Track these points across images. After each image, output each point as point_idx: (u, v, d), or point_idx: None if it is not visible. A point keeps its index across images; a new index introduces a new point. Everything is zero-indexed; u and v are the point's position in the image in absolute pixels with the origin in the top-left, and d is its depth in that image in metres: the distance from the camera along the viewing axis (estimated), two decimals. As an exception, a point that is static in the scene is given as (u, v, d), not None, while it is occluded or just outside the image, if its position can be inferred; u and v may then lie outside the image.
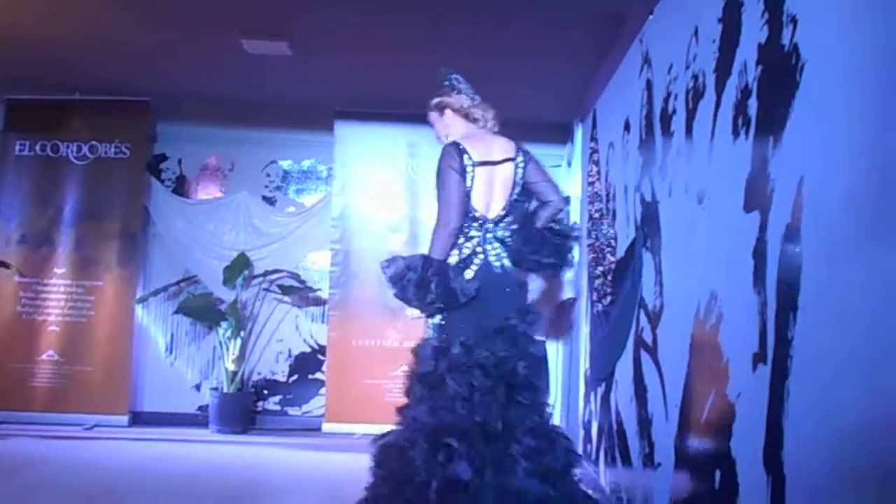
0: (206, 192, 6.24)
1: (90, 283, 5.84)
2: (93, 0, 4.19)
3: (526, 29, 4.24)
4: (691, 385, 2.49)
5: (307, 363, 6.13)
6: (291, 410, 6.09)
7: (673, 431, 2.64)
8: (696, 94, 2.57)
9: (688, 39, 2.67)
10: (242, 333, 5.84)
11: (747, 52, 2.11)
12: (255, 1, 4.09)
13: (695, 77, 2.58)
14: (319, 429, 5.82)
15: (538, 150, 6.07)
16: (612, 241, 4.04)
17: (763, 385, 1.88)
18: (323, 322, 6.07)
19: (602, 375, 4.09)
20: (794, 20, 1.83)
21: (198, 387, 6.05)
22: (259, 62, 4.90)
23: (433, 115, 3.80)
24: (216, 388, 5.85)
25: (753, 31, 2.07)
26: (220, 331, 5.84)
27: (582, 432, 4.76)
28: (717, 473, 2.18)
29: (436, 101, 3.75)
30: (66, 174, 5.92)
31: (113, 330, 5.82)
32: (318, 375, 6.08)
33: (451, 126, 3.51)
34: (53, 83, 5.76)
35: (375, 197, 5.98)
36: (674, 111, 2.85)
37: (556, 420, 5.76)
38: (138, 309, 5.95)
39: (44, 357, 5.75)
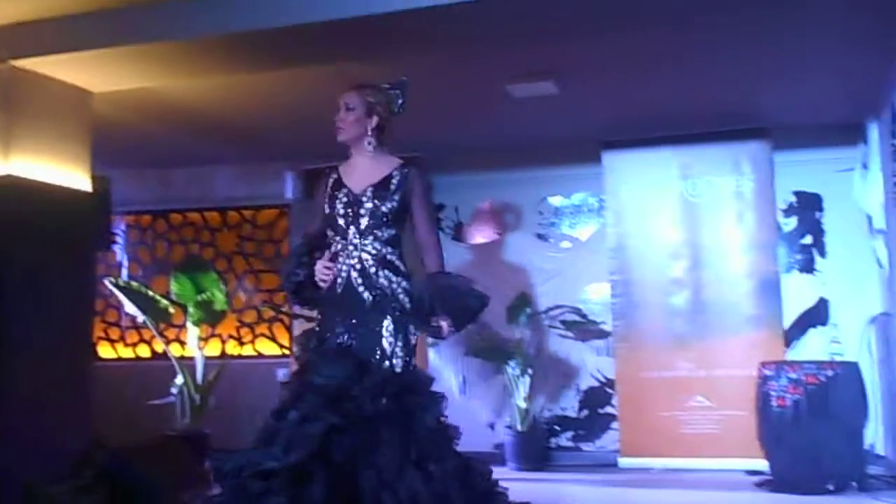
0: (483, 235, 6.44)
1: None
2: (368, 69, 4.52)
3: (802, 26, 3.94)
4: None
5: (597, 397, 6.06)
6: (585, 446, 6.05)
7: None
8: None
9: None
10: (530, 371, 5.91)
11: None
12: (522, 47, 4.17)
13: None
14: (615, 464, 5.70)
15: (825, 154, 5.71)
16: (932, 246, 3.59)
17: None
18: (608, 355, 5.97)
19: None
20: None
21: (492, 425, 6.21)
22: (524, 104, 5.01)
23: (355, 101, 3.10)
24: (510, 426, 5.96)
25: None
26: (509, 369, 5.96)
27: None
28: None
29: (371, 90, 3.14)
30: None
31: (411, 374, 6.15)
32: (609, 409, 5.99)
33: (365, 134, 3.12)
34: (335, 152, 6.27)
35: (651, 224, 5.82)
36: None
37: (880, 448, 5.19)
38: (430, 352, 6.25)
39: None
